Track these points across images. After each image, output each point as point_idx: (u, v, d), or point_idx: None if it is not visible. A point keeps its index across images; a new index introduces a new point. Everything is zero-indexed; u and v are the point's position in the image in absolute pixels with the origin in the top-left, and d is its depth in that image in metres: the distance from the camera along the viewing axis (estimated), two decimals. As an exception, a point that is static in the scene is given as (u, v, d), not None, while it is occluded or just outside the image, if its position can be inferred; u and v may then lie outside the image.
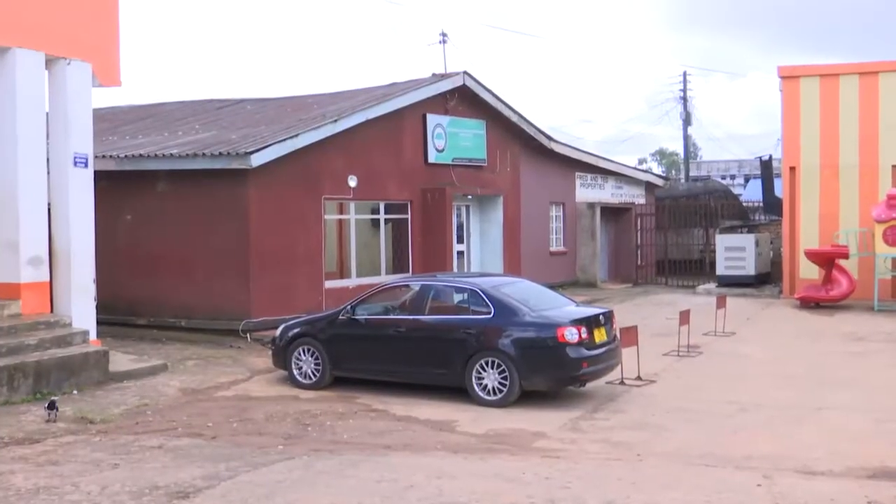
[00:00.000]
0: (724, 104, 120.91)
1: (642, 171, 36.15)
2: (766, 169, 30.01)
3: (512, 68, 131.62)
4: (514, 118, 23.74)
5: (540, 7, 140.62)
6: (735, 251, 25.91)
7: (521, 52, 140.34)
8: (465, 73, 21.80)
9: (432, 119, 21.01)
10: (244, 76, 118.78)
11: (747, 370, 14.42)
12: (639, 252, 29.88)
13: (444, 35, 30.41)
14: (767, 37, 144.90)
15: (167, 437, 9.99)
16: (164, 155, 16.89)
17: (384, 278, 18.47)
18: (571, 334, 11.46)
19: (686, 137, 57.52)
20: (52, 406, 10.65)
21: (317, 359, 12.92)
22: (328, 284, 17.99)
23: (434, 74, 22.04)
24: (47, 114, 13.65)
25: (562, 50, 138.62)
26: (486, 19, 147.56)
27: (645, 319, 18.71)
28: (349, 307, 12.99)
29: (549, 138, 25.85)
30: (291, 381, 13.09)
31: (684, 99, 56.08)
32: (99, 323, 14.27)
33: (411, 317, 12.66)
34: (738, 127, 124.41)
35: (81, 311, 13.65)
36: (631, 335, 13.18)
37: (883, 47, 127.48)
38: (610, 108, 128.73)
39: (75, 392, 12.16)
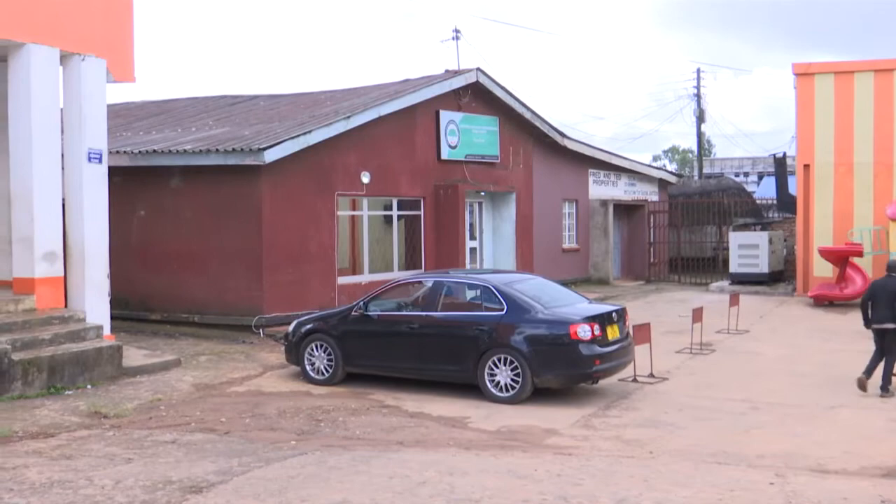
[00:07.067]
0: (733, 101, 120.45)
1: (655, 168, 36.00)
2: (780, 166, 29.91)
3: (523, 65, 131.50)
4: (528, 115, 23.70)
5: (550, 4, 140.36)
6: (748, 249, 25.84)
7: (532, 49, 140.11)
8: (478, 69, 21.79)
9: (445, 115, 21.00)
10: (257, 72, 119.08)
11: (760, 368, 14.37)
12: (651, 249, 29.82)
13: (457, 31, 30.26)
14: (763, 34, 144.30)
15: (180, 431, 10.02)
16: (177, 151, 16.93)
17: (397, 275, 18.49)
18: (584, 331, 11.45)
19: (700, 134, 57.17)
20: None
21: (329, 355, 12.95)
22: (341, 280, 18.02)
23: (447, 71, 22.03)
24: (62, 109, 13.70)
25: (572, 46, 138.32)
26: (498, 15, 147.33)
27: (658, 317, 18.69)
28: (362, 303, 13.01)
29: (562, 135, 25.80)
30: (304, 376, 13.12)
31: (698, 96, 55.74)
32: (112, 318, 14.34)
33: (424, 313, 12.64)
34: (748, 123, 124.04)
35: (95, 305, 13.70)
36: (644, 332, 13.18)
37: (882, 43, 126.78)
38: (620, 105, 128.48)
39: (89, 386, 12.22)
